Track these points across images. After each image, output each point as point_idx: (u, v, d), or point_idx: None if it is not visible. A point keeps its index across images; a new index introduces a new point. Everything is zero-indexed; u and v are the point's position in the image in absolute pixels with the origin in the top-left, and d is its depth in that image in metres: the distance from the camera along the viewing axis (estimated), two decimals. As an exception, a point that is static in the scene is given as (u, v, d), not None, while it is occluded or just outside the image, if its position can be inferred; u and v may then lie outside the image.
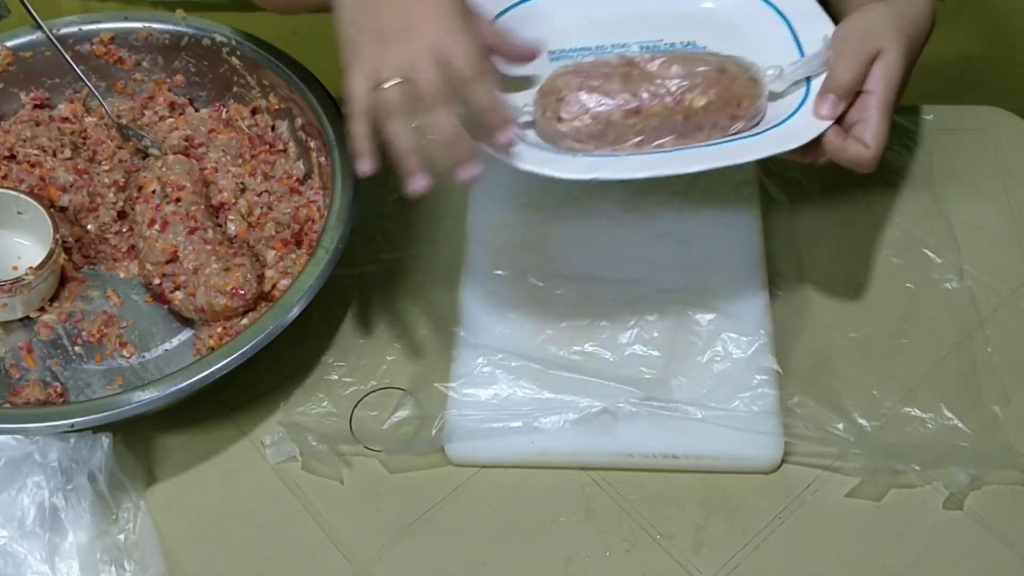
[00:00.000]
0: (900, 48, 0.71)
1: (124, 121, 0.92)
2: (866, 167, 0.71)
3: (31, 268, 0.81)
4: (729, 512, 0.75)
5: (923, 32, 0.75)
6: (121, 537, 0.73)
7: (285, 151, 0.92)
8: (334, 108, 0.86)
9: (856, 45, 0.71)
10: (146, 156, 0.90)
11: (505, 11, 0.78)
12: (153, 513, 0.75)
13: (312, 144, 0.89)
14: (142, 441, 0.79)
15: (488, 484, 0.77)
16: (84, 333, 0.84)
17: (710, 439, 0.75)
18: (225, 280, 0.80)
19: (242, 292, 0.80)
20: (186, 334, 0.85)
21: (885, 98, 0.71)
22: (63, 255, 0.85)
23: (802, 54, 0.75)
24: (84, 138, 0.92)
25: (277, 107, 0.92)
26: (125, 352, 0.84)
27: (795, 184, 0.91)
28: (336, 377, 0.82)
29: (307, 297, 0.76)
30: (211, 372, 0.72)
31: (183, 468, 0.78)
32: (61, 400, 0.81)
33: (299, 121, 0.90)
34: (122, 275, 0.88)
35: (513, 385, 0.78)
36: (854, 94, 0.72)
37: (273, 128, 0.93)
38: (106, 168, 0.91)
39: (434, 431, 0.77)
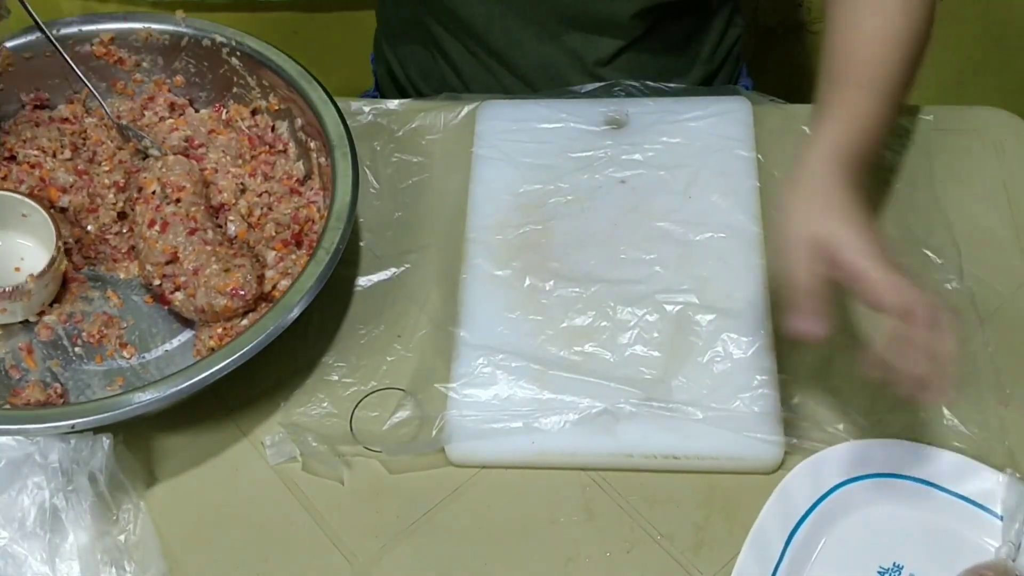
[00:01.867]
0: (851, 216, 0.67)
1: (124, 122, 0.92)
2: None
3: (31, 276, 0.81)
4: (729, 512, 0.75)
5: (871, 141, 0.73)
6: (121, 538, 0.73)
7: (285, 152, 0.92)
8: (334, 109, 0.86)
9: (805, 244, 0.67)
10: (146, 157, 0.90)
11: None
12: (153, 513, 0.75)
13: (312, 145, 0.89)
14: (142, 442, 0.79)
15: (488, 484, 0.77)
16: (84, 334, 0.84)
17: (710, 439, 0.75)
18: (225, 281, 0.80)
19: (242, 293, 0.80)
20: (186, 335, 0.85)
21: (873, 265, 0.65)
22: (65, 260, 0.85)
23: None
24: (84, 139, 0.92)
25: (277, 107, 0.92)
26: (125, 353, 0.84)
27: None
28: (336, 378, 0.82)
29: (307, 298, 0.76)
30: (211, 373, 0.72)
31: (183, 468, 0.78)
32: (61, 401, 0.81)
33: (299, 122, 0.90)
34: (122, 275, 0.88)
35: (513, 385, 0.78)
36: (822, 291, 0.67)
37: (273, 129, 0.93)
38: (106, 169, 0.91)
39: (434, 432, 0.77)
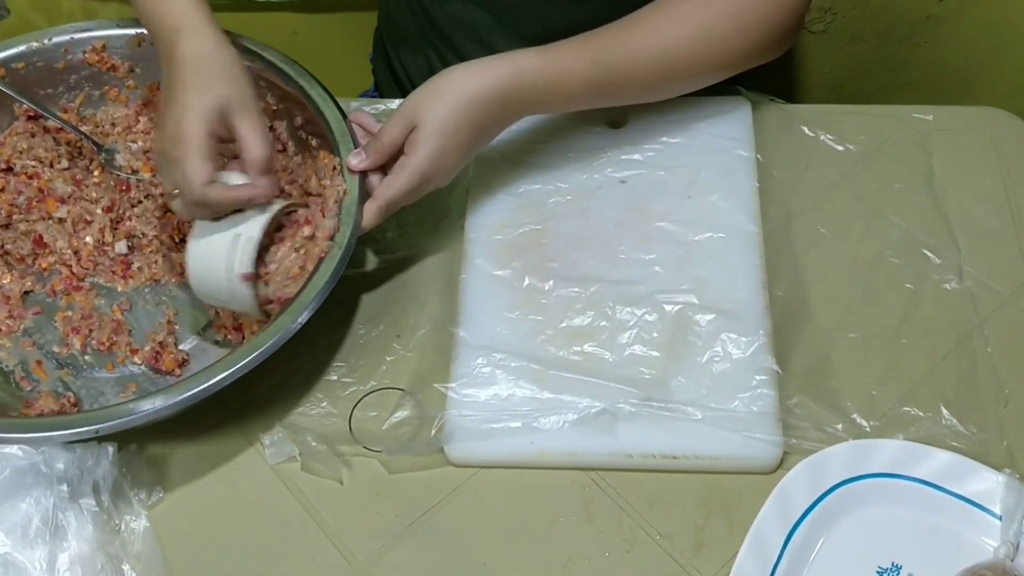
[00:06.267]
0: (437, 128, 0.78)
1: (86, 129, 0.91)
2: (371, 219, 0.79)
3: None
4: (729, 512, 0.75)
5: (507, 100, 0.81)
6: (122, 544, 0.73)
7: (284, 150, 0.92)
8: (334, 105, 0.85)
9: (402, 114, 0.80)
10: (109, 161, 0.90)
11: None
12: (153, 516, 0.75)
13: (313, 143, 0.89)
14: (142, 444, 0.79)
15: (488, 484, 0.77)
16: (94, 342, 0.84)
17: (710, 439, 0.75)
18: (302, 263, 0.78)
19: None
20: (194, 339, 0.85)
21: (412, 163, 0.79)
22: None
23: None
24: (80, 148, 0.92)
25: (275, 107, 0.91)
26: (136, 359, 0.84)
27: (795, 184, 0.91)
28: (336, 377, 0.82)
29: (323, 293, 0.75)
30: (231, 372, 0.72)
31: (183, 470, 0.78)
32: (75, 409, 0.80)
33: (299, 120, 0.90)
34: (120, 288, 0.88)
35: (513, 385, 0.78)
36: (388, 156, 0.81)
37: (272, 128, 0.93)
38: (95, 181, 0.90)
39: (433, 431, 0.77)
